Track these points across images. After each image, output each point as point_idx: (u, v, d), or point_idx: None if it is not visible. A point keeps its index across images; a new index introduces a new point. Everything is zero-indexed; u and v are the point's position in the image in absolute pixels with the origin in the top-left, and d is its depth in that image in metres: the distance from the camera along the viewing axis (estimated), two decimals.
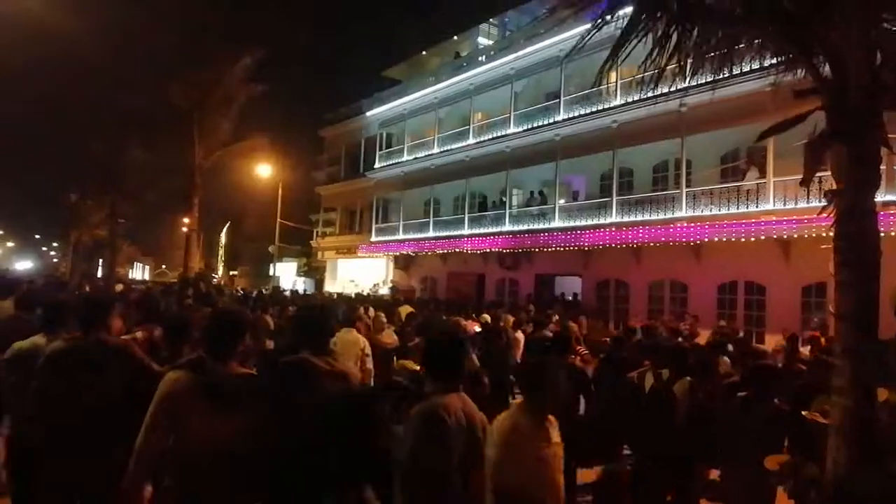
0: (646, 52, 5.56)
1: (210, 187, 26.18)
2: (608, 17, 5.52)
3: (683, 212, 16.52)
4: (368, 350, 6.62)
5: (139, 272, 65.65)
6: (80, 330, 3.60)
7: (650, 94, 16.04)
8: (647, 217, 17.48)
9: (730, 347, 8.48)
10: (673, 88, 5.93)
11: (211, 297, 15.15)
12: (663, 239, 16.63)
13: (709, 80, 6.08)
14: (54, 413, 3.31)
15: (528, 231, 21.20)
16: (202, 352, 2.92)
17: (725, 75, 6.17)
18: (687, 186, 16.72)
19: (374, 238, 29.56)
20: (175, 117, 23.32)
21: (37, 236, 79.85)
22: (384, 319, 9.19)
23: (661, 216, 17.07)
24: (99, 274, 45.26)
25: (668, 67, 5.47)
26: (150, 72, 24.94)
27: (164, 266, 62.65)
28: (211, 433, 2.61)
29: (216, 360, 2.83)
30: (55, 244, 72.26)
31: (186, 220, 28.87)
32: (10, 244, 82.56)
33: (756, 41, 4.69)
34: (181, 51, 24.39)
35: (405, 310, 12.73)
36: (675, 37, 5.12)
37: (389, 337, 8.52)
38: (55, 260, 72.46)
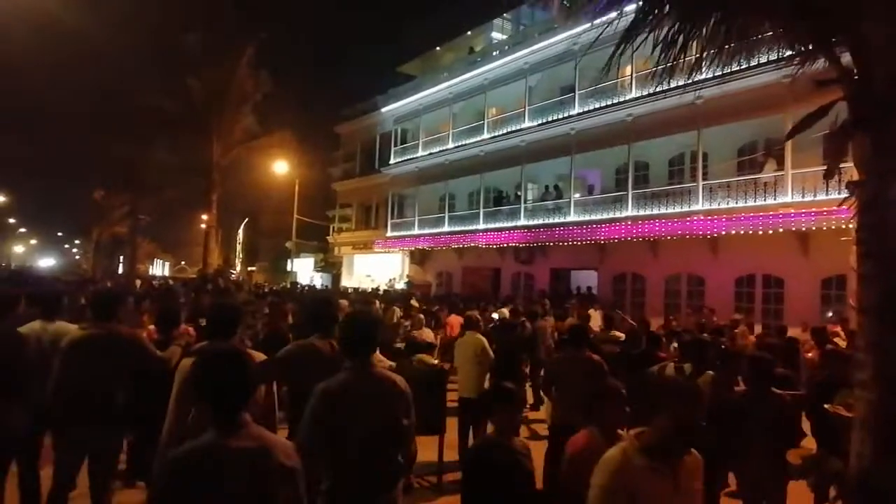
0: (660, 44, 5.54)
1: (228, 184, 26.43)
2: (613, 13, 5.49)
3: (700, 205, 16.39)
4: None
5: (159, 268, 66.41)
6: (96, 320, 4.17)
7: (665, 87, 15.93)
8: (663, 210, 17.37)
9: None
10: (689, 81, 5.86)
11: (229, 292, 15.36)
12: (680, 232, 16.52)
13: (725, 72, 6.03)
14: (74, 388, 3.93)
15: (543, 225, 21.16)
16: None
17: (742, 67, 6.12)
18: (704, 179, 16.59)
19: (389, 233, 29.67)
20: (193, 116, 23.55)
21: (59, 233, 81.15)
22: (422, 318, 9.82)
23: (678, 209, 16.95)
24: (120, 270, 45.89)
25: (684, 60, 5.44)
26: (168, 71, 25.05)
27: (183, 262, 63.28)
28: None
29: (217, 342, 3.39)
30: (77, 241, 73.36)
31: (205, 217, 29.17)
32: (32, 241, 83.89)
33: (773, 32, 4.64)
34: (195, 49, 24.50)
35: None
36: (686, 30, 5.08)
37: (427, 335, 8.85)
38: (77, 257, 73.59)
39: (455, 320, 11.68)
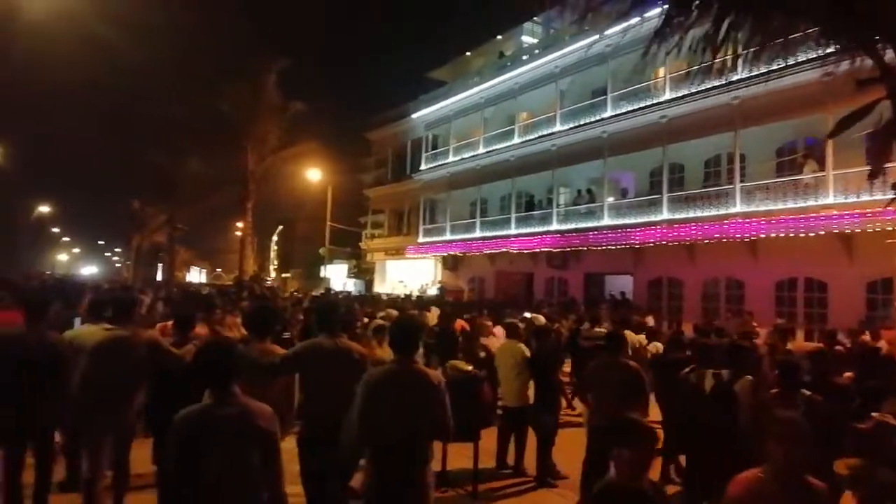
0: (695, 45, 5.43)
1: (262, 193, 26.88)
2: (637, 17, 5.41)
3: (738, 207, 16.06)
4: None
5: (196, 276, 67.79)
6: (117, 322, 4.80)
7: (702, 88, 15.73)
8: (699, 214, 17.07)
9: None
10: (725, 81, 5.74)
11: (265, 298, 15.61)
12: (717, 235, 16.21)
13: (762, 71, 5.90)
14: (100, 382, 4.49)
15: (576, 230, 20.99)
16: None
17: (780, 66, 5.97)
18: (741, 181, 16.25)
19: (421, 239, 29.77)
20: (227, 127, 24.04)
21: (100, 242, 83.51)
22: (490, 324, 9.98)
23: (715, 212, 16.64)
24: (159, 277, 46.96)
25: (720, 60, 5.33)
26: (202, 84, 25.68)
27: (219, 269, 64.51)
28: (250, 390, 3.24)
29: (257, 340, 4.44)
30: (117, 250, 75.45)
31: (240, 225, 29.70)
32: (75, 250, 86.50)
33: (812, 30, 4.53)
34: (227, 63, 25.19)
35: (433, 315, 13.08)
36: (722, 30, 4.99)
37: (494, 343, 8.75)
38: (118, 265, 75.62)
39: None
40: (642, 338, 9.53)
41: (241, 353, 3.46)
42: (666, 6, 5.49)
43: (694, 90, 16.34)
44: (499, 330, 11.30)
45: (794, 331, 13.22)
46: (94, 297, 7.36)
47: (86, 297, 10.07)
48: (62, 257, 79.28)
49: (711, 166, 19.15)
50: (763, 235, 15.21)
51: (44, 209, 36.15)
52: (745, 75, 11.62)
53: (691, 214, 17.30)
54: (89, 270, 72.49)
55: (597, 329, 9.85)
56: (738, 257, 16.12)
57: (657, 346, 9.03)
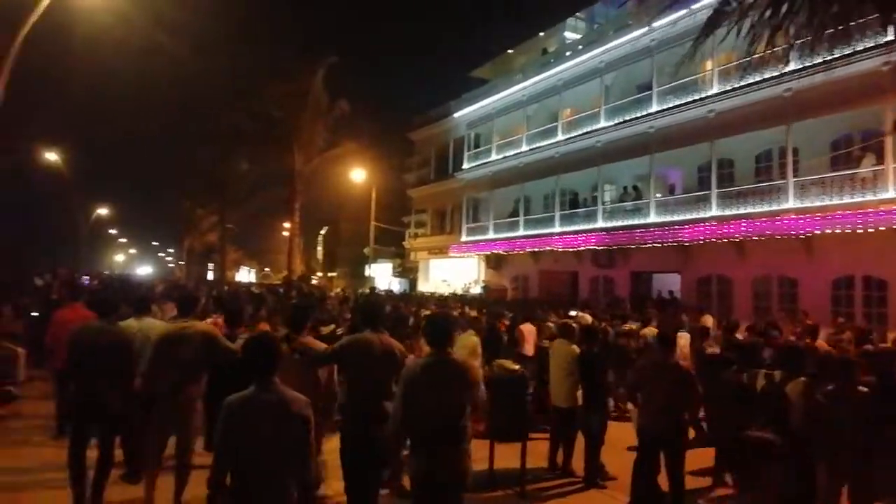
0: (746, 35, 5.29)
1: (308, 193, 27.37)
2: (688, 6, 5.34)
3: (791, 203, 15.58)
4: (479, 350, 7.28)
5: (244, 275, 69.48)
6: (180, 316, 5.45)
7: (751, 81, 15.34)
8: (750, 210, 16.62)
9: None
10: (777, 73, 5.60)
11: (313, 296, 15.97)
12: (769, 232, 15.77)
13: (817, 61, 5.73)
14: (163, 370, 4.98)
15: (622, 227, 20.72)
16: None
17: (835, 55, 5.77)
18: (794, 176, 15.76)
19: (464, 238, 29.85)
20: (275, 128, 24.57)
21: (154, 243, 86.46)
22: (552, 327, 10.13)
23: (766, 208, 16.19)
24: (210, 276, 48.36)
25: (772, 51, 5.20)
26: (250, 87, 26.34)
27: (267, 269, 65.96)
28: (296, 378, 3.71)
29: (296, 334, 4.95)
30: (170, 250, 77.95)
31: (287, 225, 30.33)
32: (132, 251, 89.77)
33: (873, 16, 4.39)
34: (273, 67, 25.74)
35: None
36: (777, 18, 4.87)
37: None
38: (171, 265, 78.17)
39: (528, 329, 11.44)
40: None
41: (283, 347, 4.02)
42: None
43: (743, 83, 15.98)
44: (527, 328, 11.32)
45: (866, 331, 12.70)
46: (144, 294, 8.36)
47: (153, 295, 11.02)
48: (119, 258, 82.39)
49: (762, 161, 18.62)
50: (818, 232, 14.73)
51: (102, 211, 37.63)
52: (798, 66, 11.29)
53: (742, 211, 16.86)
54: (144, 270, 75.20)
55: (626, 326, 9.86)
56: (791, 255, 15.65)
57: (685, 338, 9.24)
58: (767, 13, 5.08)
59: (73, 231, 32.63)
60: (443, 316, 4.86)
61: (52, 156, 28.88)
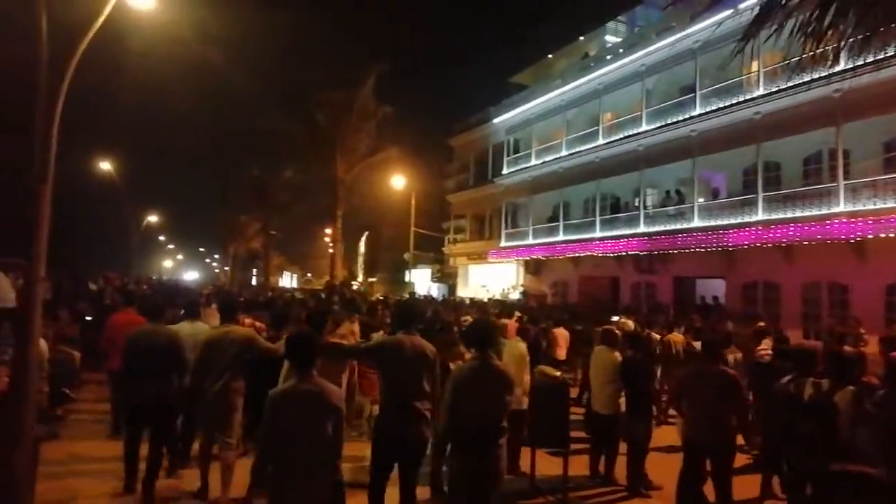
0: (796, 34, 5.18)
1: (350, 199, 27.73)
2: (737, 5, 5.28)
3: (841, 206, 15.11)
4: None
5: (287, 280, 70.72)
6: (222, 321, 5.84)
7: (798, 81, 14.90)
8: (798, 213, 16.19)
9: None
10: (826, 73, 5.50)
11: (355, 301, 16.20)
12: (818, 237, 15.33)
13: (870, 60, 5.59)
14: (209, 370, 5.37)
15: (664, 232, 20.40)
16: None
17: (890, 54, 5.62)
18: (845, 179, 15.28)
19: (503, 243, 29.82)
20: (318, 137, 24.99)
21: (201, 249, 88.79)
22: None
23: (815, 212, 15.73)
24: (254, 282, 49.43)
25: (820, 51, 5.09)
26: (295, 97, 26.90)
27: (309, 274, 67.00)
28: (326, 375, 3.98)
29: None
30: (216, 256, 79.92)
31: (329, 231, 30.79)
32: (179, 257, 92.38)
33: None
34: (318, 76, 26.15)
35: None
36: (829, 15, 4.77)
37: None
38: (216, 270, 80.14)
39: (560, 333, 11.40)
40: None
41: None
42: None
43: (790, 84, 15.58)
44: (560, 332, 11.26)
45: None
46: (195, 300, 8.77)
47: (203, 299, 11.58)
48: (167, 263, 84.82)
49: (811, 163, 18.10)
50: (871, 236, 14.25)
51: (152, 219, 38.90)
52: (847, 66, 10.96)
53: (789, 214, 16.43)
54: (191, 275, 77.28)
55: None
56: (841, 260, 15.17)
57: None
58: (815, 13, 5.00)
59: (125, 238, 33.78)
60: (484, 322, 5.07)
61: (105, 165, 29.99)
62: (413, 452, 4.49)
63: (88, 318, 11.65)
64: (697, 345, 9.43)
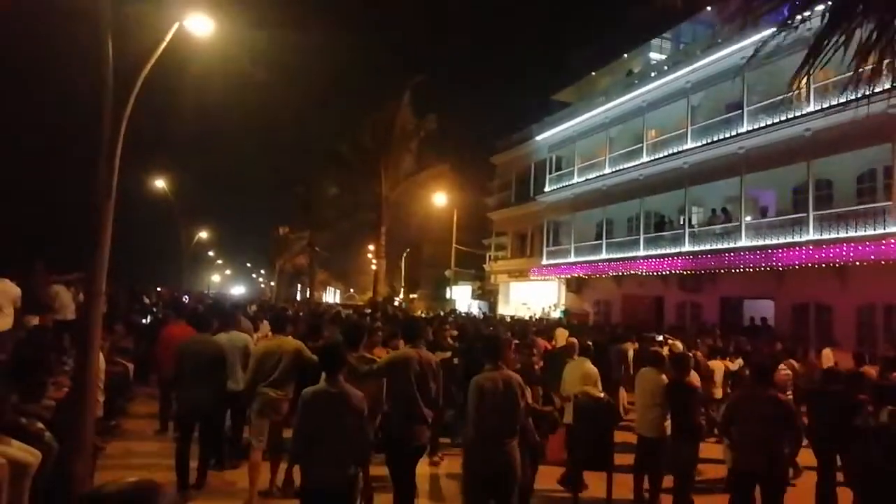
0: (846, 53, 5.13)
1: (393, 216, 28.04)
2: (793, 21, 5.26)
3: None
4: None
5: (331, 296, 71.67)
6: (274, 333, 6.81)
7: (851, 98, 14.49)
8: (852, 233, 15.67)
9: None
10: (879, 89, 5.41)
11: (397, 318, 16.36)
12: (874, 257, 14.79)
13: None
14: (263, 376, 5.90)
15: (711, 251, 19.98)
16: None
17: None
18: None
19: (544, 261, 29.66)
20: (364, 155, 25.43)
21: (248, 265, 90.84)
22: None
23: (871, 231, 15.20)
24: (298, 297, 50.30)
25: (876, 67, 5.02)
26: (342, 118, 27.51)
27: (352, 290, 67.76)
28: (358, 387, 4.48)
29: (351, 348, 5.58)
30: (262, 271, 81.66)
31: (372, 248, 31.15)
32: (227, 272, 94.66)
33: None
34: (365, 95, 26.74)
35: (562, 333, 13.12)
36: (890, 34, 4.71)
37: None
38: (262, 285, 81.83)
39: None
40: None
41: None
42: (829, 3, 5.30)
43: (842, 100, 15.15)
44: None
45: None
46: (228, 311, 9.43)
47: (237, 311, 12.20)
48: (215, 278, 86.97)
49: (865, 182, 17.53)
50: None
51: (202, 234, 40.06)
52: None
53: (842, 234, 15.91)
54: (238, 290, 79.08)
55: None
56: None
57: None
58: (874, 33, 4.95)
59: (177, 253, 34.85)
60: (494, 337, 5.66)
61: (160, 183, 31.09)
62: (415, 447, 5.16)
63: (141, 330, 12.12)
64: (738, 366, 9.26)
